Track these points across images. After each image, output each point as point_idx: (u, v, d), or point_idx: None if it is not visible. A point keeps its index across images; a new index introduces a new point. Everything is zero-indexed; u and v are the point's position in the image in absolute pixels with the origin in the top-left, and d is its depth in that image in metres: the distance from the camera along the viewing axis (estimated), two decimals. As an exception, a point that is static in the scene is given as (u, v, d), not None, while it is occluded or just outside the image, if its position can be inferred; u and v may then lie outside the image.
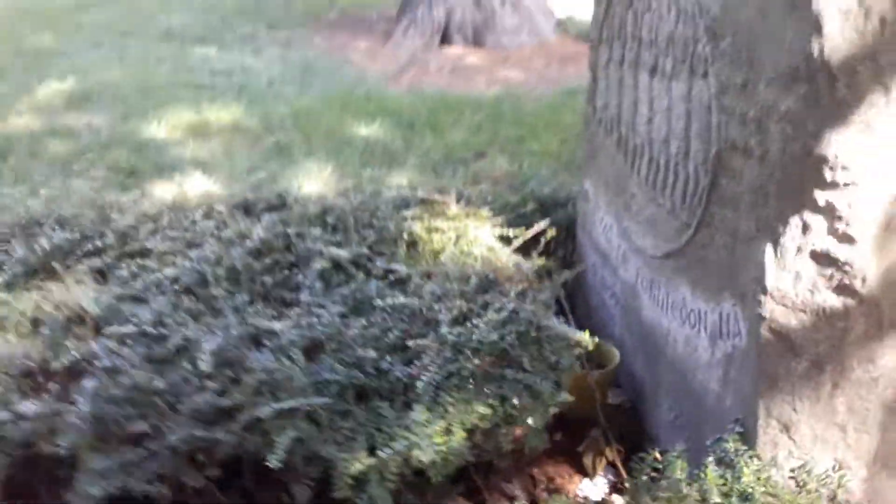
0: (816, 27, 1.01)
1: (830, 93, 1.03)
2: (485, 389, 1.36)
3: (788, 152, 1.11)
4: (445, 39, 6.02)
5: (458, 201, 1.77)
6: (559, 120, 3.99)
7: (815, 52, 1.02)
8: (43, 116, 4.01)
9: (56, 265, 1.69)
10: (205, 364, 1.30)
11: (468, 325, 1.44)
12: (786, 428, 1.25)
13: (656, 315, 1.63)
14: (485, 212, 1.80)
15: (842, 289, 1.16)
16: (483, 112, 4.17)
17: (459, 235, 1.68)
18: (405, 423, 1.30)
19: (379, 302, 1.49)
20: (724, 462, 1.26)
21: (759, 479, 1.22)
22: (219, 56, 5.46)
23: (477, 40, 5.97)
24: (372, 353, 1.39)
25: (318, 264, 1.58)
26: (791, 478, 1.26)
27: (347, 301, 1.52)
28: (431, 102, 4.37)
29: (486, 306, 1.50)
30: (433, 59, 5.68)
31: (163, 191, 2.92)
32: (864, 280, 1.14)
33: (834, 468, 1.24)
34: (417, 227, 1.72)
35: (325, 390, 1.35)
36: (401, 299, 1.49)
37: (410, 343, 1.41)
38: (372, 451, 1.29)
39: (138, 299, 1.53)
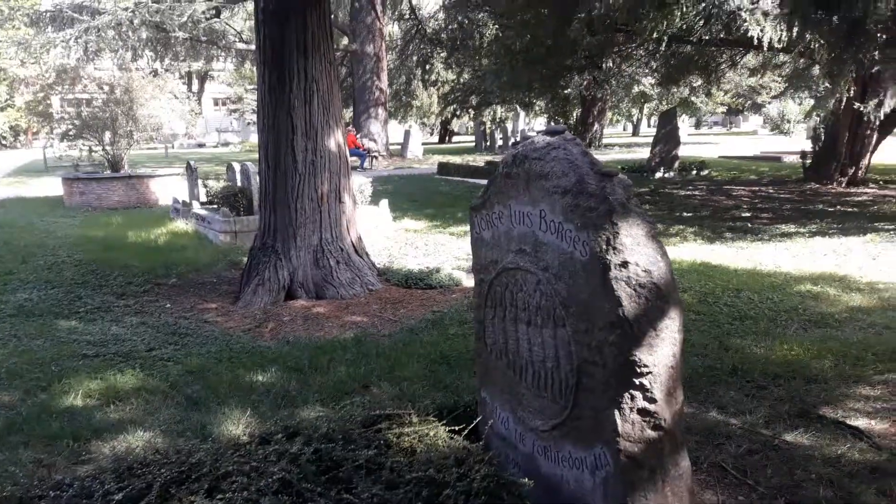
0: (619, 303, 2.20)
1: (633, 334, 2.20)
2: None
3: (618, 361, 2.25)
4: (290, 295, 7.04)
5: (417, 413, 2.68)
6: (413, 351, 5.06)
7: (621, 315, 2.20)
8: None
9: None
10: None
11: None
12: (644, 511, 2.27)
13: (551, 468, 2.63)
14: (432, 418, 2.73)
15: (655, 427, 2.27)
16: (349, 352, 5.13)
17: (422, 436, 2.57)
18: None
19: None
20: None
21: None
22: (84, 327, 5.93)
23: (318, 293, 7.06)
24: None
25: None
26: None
27: None
28: (303, 349, 5.24)
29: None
30: (284, 312, 6.61)
31: (111, 450, 3.44)
32: (664, 420, 2.26)
33: (672, 527, 2.27)
34: (389, 436, 2.58)
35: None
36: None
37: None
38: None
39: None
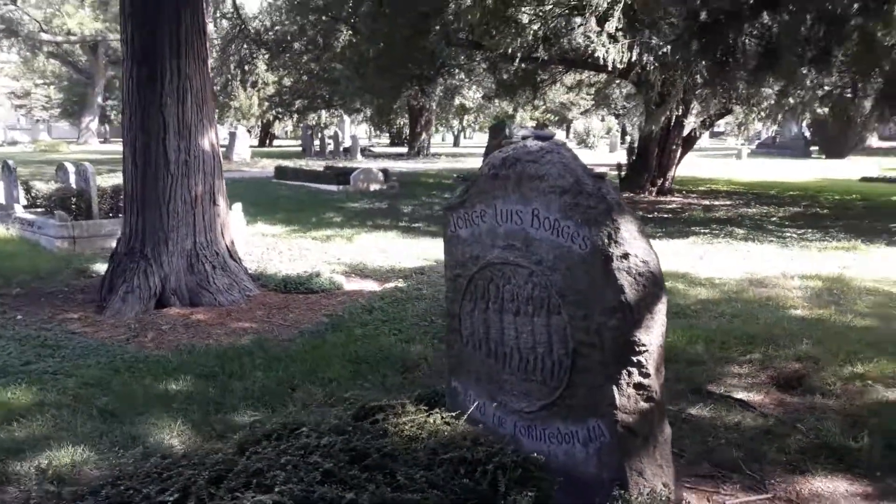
0: (621, 290, 2.48)
1: (634, 317, 2.49)
2: None
3: (617, 342, 2.52)
4: (162, 303, 6.64)
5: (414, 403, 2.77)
6: (326, 353, 5.04)
7: (623, 300, 2.48)
8: None
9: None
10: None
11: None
12: (640, 474, 2.57)
13: (535, 446, 2.84)
14: (423, 407, 2.83)
15: (648, 399, 2.57)
16: (258, 357, 5.00)
17: (420, 424, 2.67)
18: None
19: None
20: None
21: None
22: (-69, 346, 5.22)
23: (193, 300, 6.73)
24: None
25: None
26: (645, 500, 2.56)
27: None
28: (205, 356, 5.02)
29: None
30: (160, 321, 6.23)
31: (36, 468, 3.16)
32: (655, 392, 2.58)
33: (664, 485, 2.59)
34: (387, 426, 2.66)
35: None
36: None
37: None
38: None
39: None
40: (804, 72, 7.29)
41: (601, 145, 38.57)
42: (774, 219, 12.73)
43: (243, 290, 7.01)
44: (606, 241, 2.52)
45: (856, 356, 4.81)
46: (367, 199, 15.64)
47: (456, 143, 49.41)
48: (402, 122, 44.82)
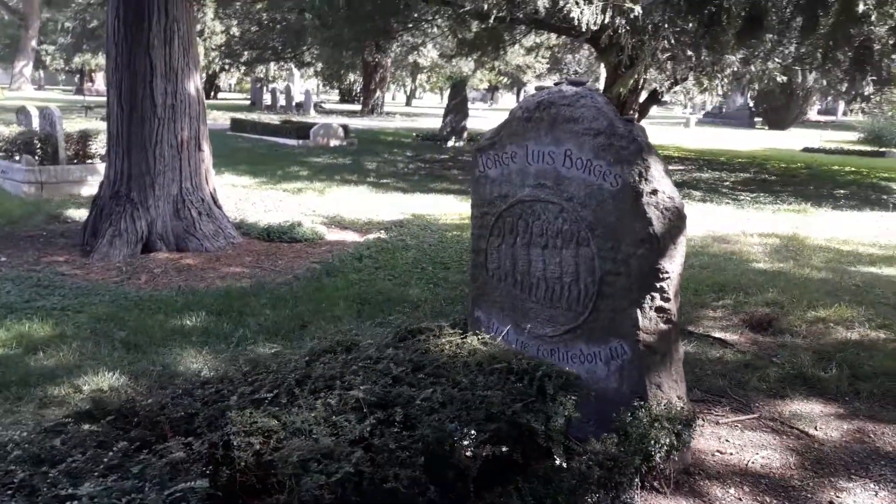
0: (650, 223, 2.76)
1: (659, 247, 2.78)
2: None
3: (642, 270, 2.81)
4: (147, 247, 6.68)
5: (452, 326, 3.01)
6: (327, 295, 5.23)
7: (651, 232, 2.76)
8: None
9: None
10: None
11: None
12: (658, 387, 2.89)
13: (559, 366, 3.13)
14: (458, 330, 3.08)
15: (667, 321, 2.88)
16: (263, 297, 5.15)
17: (459, 344, 2.91)
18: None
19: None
20: (636, 414, 2.81)
21: (649, 418, 2.79)
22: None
23: (179, 246, 6.78)
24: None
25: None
26: (657, 413, 2.88)
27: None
28: (210, 296, 5.15)
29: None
30: (150, 264, 6.29)
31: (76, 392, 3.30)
32: (674, 315, 2.89)
33: (678, 397, 2.92)
34: (429, 346, 2.90)
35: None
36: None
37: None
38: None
39: None
40: (775, 39, 7.67)
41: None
42: (727, 183, 13.32)
43: (228, 237, 7.08)
44: (637, 178, 2.79)
45: (817, 302, 5.27)
46: (329, 155, 15.60)
47: (408, 103, 49.11)
48: (352, 79, 44.27)
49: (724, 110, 37.03)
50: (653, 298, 2.85)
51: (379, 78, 34.71)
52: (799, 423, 3.42)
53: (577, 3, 9.14)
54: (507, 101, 55.67)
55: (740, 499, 2.80)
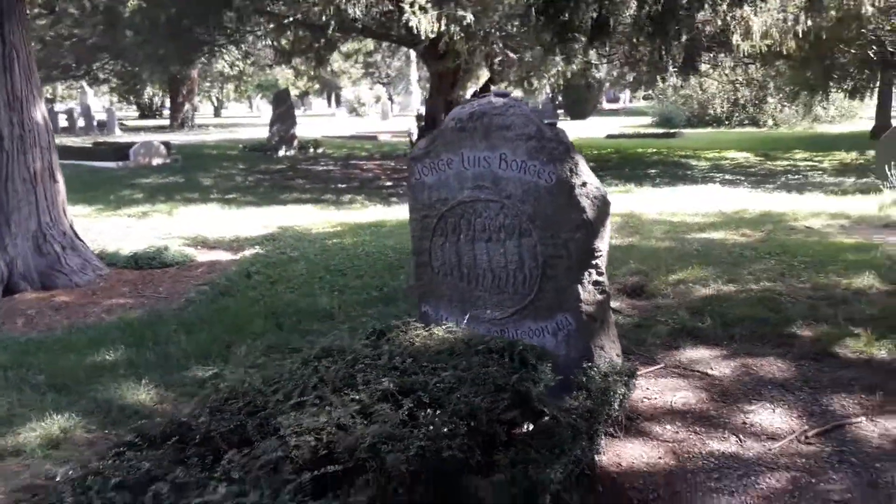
0: (584, 211, 3.24)
1: (593, 230, 3.26)
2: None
3: (580, 251, 3.29)
4: (10, 289, 6.19)
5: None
6: (234, 315, 5.23)
7: (585, 218, 3.24)
8: None
9: None
10: None
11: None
12: (601, 349, 3.38)
13: (509, 347, 3.53)
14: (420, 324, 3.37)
15: (602, 292, 3.38)
16: (170, 324, 5.04)
17: (427, 336, 3.21)
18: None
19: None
20: (589, 373, 3.28)
21: (601, 375, 3.27)
22: None
23: (45, 284, 6.37)
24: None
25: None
26: (605, 370, 3.38)
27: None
28: (114, 329, 4.97)
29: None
30: (21, 306, 5.86)
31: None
32: (606, 286, 3.39)
33: (616, 355, 3.43)
34: (404, 339, 3.17)
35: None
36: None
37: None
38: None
39: None
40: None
41: (371, 114, 39.45)
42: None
43: (96, 270, 6.75)
44: (569, 173, 3.26)
45: (672, 267, 6.13)
46: (157, 175, 14.87)
47: (217, 114, 47.26)
48: (150, 93, 41.83)
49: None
50: (590, 274, 3.34)
51: (187, 90, 33.21)
52: (697, 367, 4.10)
53: (414, 14, 9.62)
54: (320, 106, 55.37)
55: (677, 432, 3.37)
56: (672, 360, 4.23)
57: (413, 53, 32.66)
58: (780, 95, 24.07)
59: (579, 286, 3.34)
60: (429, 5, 9.77)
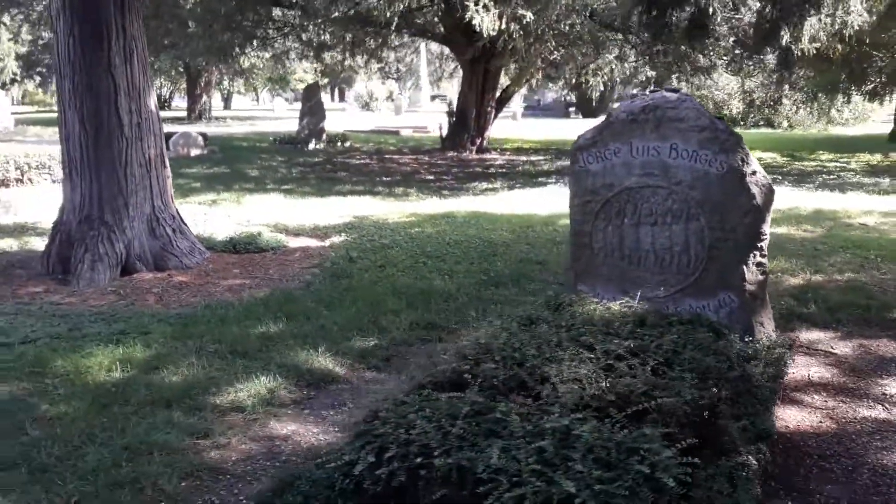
0: (754, 197, 3.58)
1: (761, 215, 3.61)
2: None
3: (748, 234, 3.63)
4: (126, 270, 6.50)
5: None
6: (361, 295, 5.52)
7: (755, 204, 3.58)
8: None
9: None
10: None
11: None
12: (761, 325, 3.73)
13: (668, 322, 3.88)
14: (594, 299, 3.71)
15: (763, 273, 3.73)
16: (308, 302, 5.34)
17: (605, 308, 3.56)
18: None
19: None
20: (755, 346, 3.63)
21: (766, 347, 3.62)
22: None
23: (158, 265, 6.66)
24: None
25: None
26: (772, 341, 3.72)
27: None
28: (250, 307, 5.28)
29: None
30: (142, 285, 6.17)
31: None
32: (766, 267, 3.74)
33: (773, 330, 3.78)
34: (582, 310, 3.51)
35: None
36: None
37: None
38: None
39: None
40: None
41: (384, 109, 39.69)
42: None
43: (201, 253, 7.05)
44: (740, 162, 3.60)
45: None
46: (200, 165, 15.14)
47: (227, 106, 47.39)
48: (160, 84, 42.00)
49: (541, 102, 40.05)
50: (755, 256, 3.69)
51: (204, 82, 33.41)
52: (819, 346, 4.45)
53: (477, 12, 9.94)
54: (324, 101, 55.17)
55: (826, 401, 3.72)
56: (794, 340, 4.58)
57: (423, 49, 33.11)
58: (796, 97, 24.47)
59: (744, 267, 3.68)
60: (491, 3, 10.09)
